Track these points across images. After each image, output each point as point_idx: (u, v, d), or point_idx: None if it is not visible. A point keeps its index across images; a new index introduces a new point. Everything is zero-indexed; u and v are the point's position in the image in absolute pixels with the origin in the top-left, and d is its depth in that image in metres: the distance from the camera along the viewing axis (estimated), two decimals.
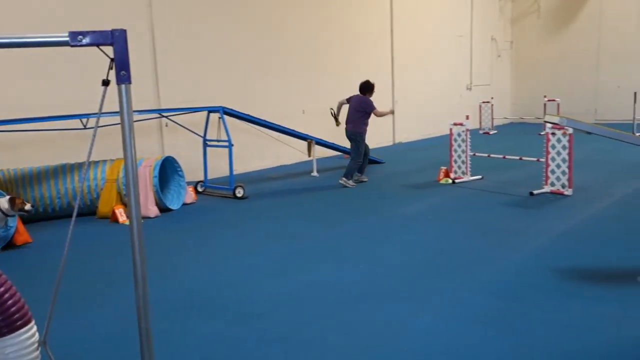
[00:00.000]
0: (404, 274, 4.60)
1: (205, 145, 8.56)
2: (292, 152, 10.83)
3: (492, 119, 15.59)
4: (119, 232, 6.32)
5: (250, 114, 9.05)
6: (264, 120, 9.13)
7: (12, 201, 5.47)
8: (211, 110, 8.41)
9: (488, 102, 15.61)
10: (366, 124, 8.80)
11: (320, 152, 10.61)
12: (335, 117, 9.46)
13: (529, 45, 18.28)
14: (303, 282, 4.50)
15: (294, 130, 9.61)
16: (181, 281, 4.64)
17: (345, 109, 9.11)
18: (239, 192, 8.04)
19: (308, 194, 8.28)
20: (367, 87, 8.89)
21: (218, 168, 9.51)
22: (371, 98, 8.81)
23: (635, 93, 13.54)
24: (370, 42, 13.04)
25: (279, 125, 9.37)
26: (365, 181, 8.91)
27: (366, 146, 8.98)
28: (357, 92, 8.93)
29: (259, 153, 10.66)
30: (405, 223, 6.27)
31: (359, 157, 8.70)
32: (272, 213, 7.10)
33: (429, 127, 14.84)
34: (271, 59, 10.83)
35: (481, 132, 15.33)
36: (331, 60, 12.07)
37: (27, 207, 5.54)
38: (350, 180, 8.60)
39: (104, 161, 7.22)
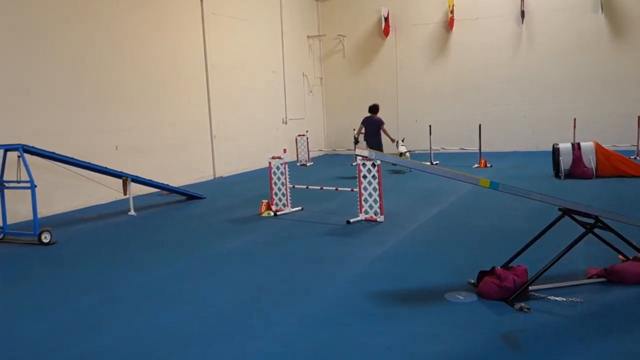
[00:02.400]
0: (229, 312, 4.47)
1: (2, 187, 7.61)
2: (106, 191, 10.13)
3: (308, 151, 16.26)
4: None
5: (56, 152, 8.28)
6: (72, 158, 8.42)
7: None
8: (8, 148, 7.52)
9: (303, 135, 16.26)
10: (380, 135, 12.57)
11: (137, 189, 10.07)
12: (356, 139, 13.04)
13: (337, 82, 19.52)
14: (119, 333, 4.14)
15: (106, 167, 9.00)
16: None
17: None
18: (45, 238, 7.24)
19: (124, 235, 7.75)
20: (377, 108, 12.92)
21: (19, 212, 8.53)
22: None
23: (430, 126, 15.13)
24: (184, 77, 12.83)
25: (88, 163, 8.69)
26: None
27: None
28: (367, 114, 12.86)
29: (67, 193, 9.78)
30: (229, 259, 6.16)
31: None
32: (83, 259, 6.50)
33: (249, 161, 14.98)
34: (78, 92, 10.07)
35: (298, 164, 15.89)
36: (144, 95, 11.61)
37: None
38: None
39: None
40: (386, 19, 18.22)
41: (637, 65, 15.53)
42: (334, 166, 15.46)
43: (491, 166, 13.43)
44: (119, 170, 9.28)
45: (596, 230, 4.63)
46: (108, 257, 6.52)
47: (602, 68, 15.87)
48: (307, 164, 15.86)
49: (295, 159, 16.21)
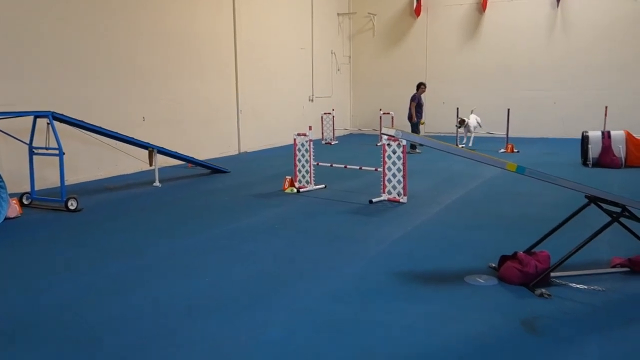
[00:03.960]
0: (250, 285, 4.54)
1: (31, 153, 7.77)
2: (132, 161, 10.28)
3: (334, 129, 16.22)
4: None
5: (85, 120, 8.41)
6: (100, 127, 8.55)
7: None
8: (38, 115, 7.67)
9: (329, 113, 16.22)
10: (417, 111, 13.51)
11: (162, 161, 10.19)
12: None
13: (365, 61, 19.35)
14: (145, 299, 4.24)
15: (133, 138, 9.12)
16: None
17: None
18: (72, 205, 7.40)
19: (149, 205, 7.88)
20: (417, 86, 13.70)
21: (47, 178, 8.72)
22: (421, 95, 13.61)
23: (457, 109, 14.94)
24: (213, 51, 12.86)
25: (116, 133, 8.83)
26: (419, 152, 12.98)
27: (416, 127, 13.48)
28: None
29: (95, 162, 9.95)
30: (251, 233, 6.22)
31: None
32: (109, 226, 6.63)
33: (274, 137, 15.02)
34: (108, 62, 10.18)
35: (323, 142, 15.88)
36: (173, 68, 11.68)
37: None
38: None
39: None
40: None
41: None
42: (358, 145, 15.41)
43: (518, 151, 13.25)
44: (146, 141, 9.39)
45: (622, 220, 4.56)
46: (132, 226, 6.65)
47: (637, 56, 15.44)
48: (332, 143, 15.85)
49: (321, 137, 16.19)
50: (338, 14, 18.49)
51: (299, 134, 8.78)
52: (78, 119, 8.28)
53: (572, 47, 16.20)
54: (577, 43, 16.12)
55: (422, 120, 13.69)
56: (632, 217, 4.53)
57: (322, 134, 16.21)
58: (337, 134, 16.95)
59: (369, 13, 18.77)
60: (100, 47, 10.00)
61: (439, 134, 17.41)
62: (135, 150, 9.78)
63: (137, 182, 9.73)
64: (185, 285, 4.57)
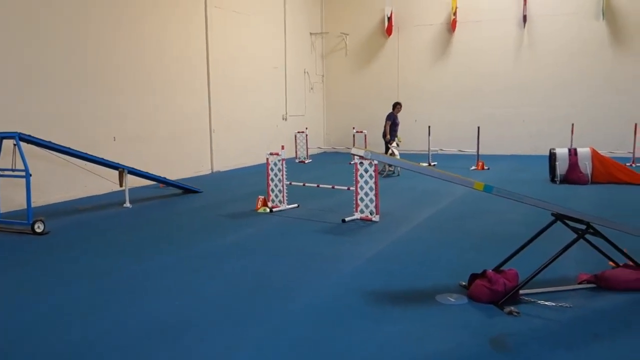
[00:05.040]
0: (221, 306, 4.49)
1: None
2: (103, 182, 10.13)
3: (307, 148, 16.27)
4: None
5: (53, 140, 8.28)
6: (68, 148, 8.43)
7: None
8: (4, 136, 7.53)
9: (303, 132, 16.27)
10: (391, 130, 13.43)
11: (134, 181, 10.08)
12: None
13: (338, 80, 19.52)
14: (111, 322, 4.16)
15: (102, 158, 9.01)
16: None
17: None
18: (39, 228, 7.25)
19: (118, 226, 7.77)
20: (393, 105, 13.70)
21: (14, 200, 8.54)
22: (397, 114, 13.64)
23: (429, 127, 15.13)
24: (186, 69, 12.84)
25: (85, 154, 8.70)
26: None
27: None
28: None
29: (64, 183, 9.79)
30: (223, 254, 6.17)
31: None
32: (76, 249, 6.51)
33: (248, 156, 14.98)
34: (79, 81, 10.07)
35: (297, 161, 15.91)
36: (146, 86, 11.61)
37: None
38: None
39: None
40: (389, 19, 18.23)
41: (635, 73, 15.54)
42: (331, 164, 15.47)
43: (489, 169, 13.45)
44: (116, 161, 9.28)
45: (588, 237, 4.65)
46: (100, 248, 6.54)
47: (601, 75, 15.90)
48: (306, 161, 15.87)
49: (294, 156, 16.22)
50: (311, 34, 18.67)
51: (271, 154, 8.78)
52: (46, 139, 8.15)
53: (539, 65, 16.60)
54: (543, 62, 16.53)
55: (399, 138, 13.79)
56: (597, 233, 4.62)
57: (296, 152, 16.24)
58: (310, 152, 17.00)
59: (341, 33, 19.00)
60: (69, 66, 9.89)
61: (411, 152, 17.56)
62: (106, 171, 9.66)
63: (107, 203, 9.59)
64: (154, 307, 4.49)
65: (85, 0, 10.17)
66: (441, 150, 15.58)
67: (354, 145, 16.13)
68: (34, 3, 9.24)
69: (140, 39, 11.45)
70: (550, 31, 16.37)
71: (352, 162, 9.23)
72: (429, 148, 14.89)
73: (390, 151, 13.26)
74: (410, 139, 17.39)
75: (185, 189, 10.47)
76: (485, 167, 13.49)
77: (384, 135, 13.63)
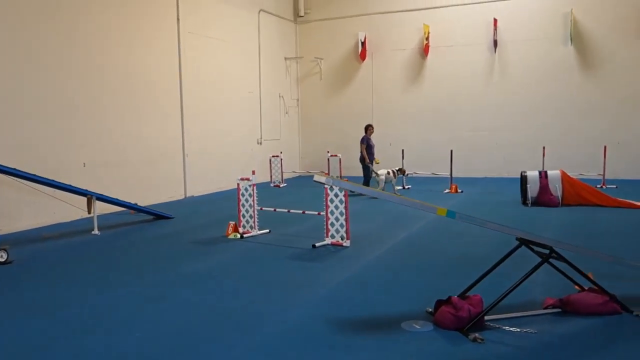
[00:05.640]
0: (183, 338, 4.38)
1: None
2: (71, 209, 9.95)
3: (282, 172, 16.23)
4: None
5: (21, 168, 8.13)
6: (34, 175, 8.28)
7: None
8: None
9: (277, 156, 16.25)
10: (368, 153, 13.59)
11: (103, 207, 9.91)
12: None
13: (313, 104, 19.60)
14: (70, 356, 4.02)
15: (69, 185, 8.85)
16: None
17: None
18: (2, 257, 7.05)
19: (85, 255, 7.60)
20: (365, 128, 14.00)
21: None
22: (370, 136, 13.87)
23: (402, 150, 15.22)
24: (159, 94, 12.77)
25: (52, 180, 8.56)
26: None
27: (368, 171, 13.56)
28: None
29: (31, 210, 9.57)
30: (189, 282, 6.06)
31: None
32: (38, 279, 6.34)
33: (222, 180, 14.86)
34: (47, 107, 9.93)
35: (272, 185, 15.84)
36: (117, 111, 11.51)
37: None
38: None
39: None
40: (363, 44, 18.43)
41: (604, 96, 15.88)
42: (306, 188, 15.42)
43: (462, 192, 13.53)
44: (87, 188, 9.14)
45: (553, 261, 4.67)
46: (63, 278, 6.37)
47: (571, 98, 16.21)
48: (281, 185, 15.81)
49: (269, 180, 16.16)
50: (285, 58, 18.77)
51: (242, 179, 8.72)
52: (12, 166, 8.00)
53: (510, 89, 16.87)
54: (514, 86, 16.81)
55: (377, 160, 13.85)
56: (560, 258, 4.64)
57: (271, 176, 16.18)
58: (286, 176, 16.96)
59: (315, 57, 19.13)
60: (38, 90, 9.76)
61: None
62: (74, 198, 9.49)
63: (75, 230, 9.40)
64: (114, 339, 4.37)
65: (54, 25, 10.10)
66: (415, 173, 15.65)
67: (328, 169, 16.16)
68: (0, 28, 9.15)
69: (113, 64, 11.37)
70: (520, 56, 16.68)
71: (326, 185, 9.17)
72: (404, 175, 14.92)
73: (372, 174, 13.32)
74: (385, 162, 17.43)
75: (156, 215, 10.33)
76: (459, 190, 13.57)
77: (363, 160, 13.60)
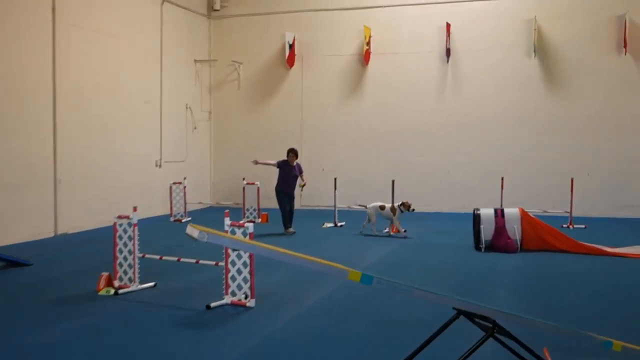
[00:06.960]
0: None
1: None
2: None
3: (185, 203, 15.71)
4: None
5: None
6: None
7: None
8: None
9: (180, 183, 15.72)
10: (284, 185, 13.66)
11: None
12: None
13: (230, 118, 19.25)
14: None
15: None
16: None
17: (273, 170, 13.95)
18: None
19: None
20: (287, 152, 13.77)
21: None
22: (292, 164, 13.71)
23: (335, 179, 15.02)
24: (23, 104, 12.10)
25: None
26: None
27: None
28: (284, 158, 13.69)
29: None
30: (33, 358, 5.52)
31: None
32: None
33: (107, 213, 14.07)
34: None
35: (172, 219, 15.27)
36: None
37: None
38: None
39: None
40: (291, 47, 18.32)
41: (572, 117, 16.33)
42: (214, 223, 14.85)
43: (405, 231, 13.36)
44: None
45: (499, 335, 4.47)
46: None
47: (534, 119, 16.61)
48: (183, 220, 15.24)
49: (169, 213, 15.56)
50: (195, 61, 18.42)
51: (120, 217, 8.20)
52: None
53: (465, 107, 17.12)
54: (470, 103, 17.07)
55: (303, 182, 13.79)
56: (505, 333, 4.44)
57: (171, 209, 15.61)
58: (191, 208, 16.45)
59: (233, 61, 18.86)
60: None
61: (317, 208, 17.41)
62: None
63: None
64: None
65: None
66: (349, 207, 15.45)
67: (243, 201, 15.76)
68: None
69: None
70: (477, 68, 17.00)
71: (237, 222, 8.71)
72: (335, 204, 14.75)
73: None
74: (315, 192, 17.24)
75: (7, 260, 9.60)
76: (402, 230, 13.39)
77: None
